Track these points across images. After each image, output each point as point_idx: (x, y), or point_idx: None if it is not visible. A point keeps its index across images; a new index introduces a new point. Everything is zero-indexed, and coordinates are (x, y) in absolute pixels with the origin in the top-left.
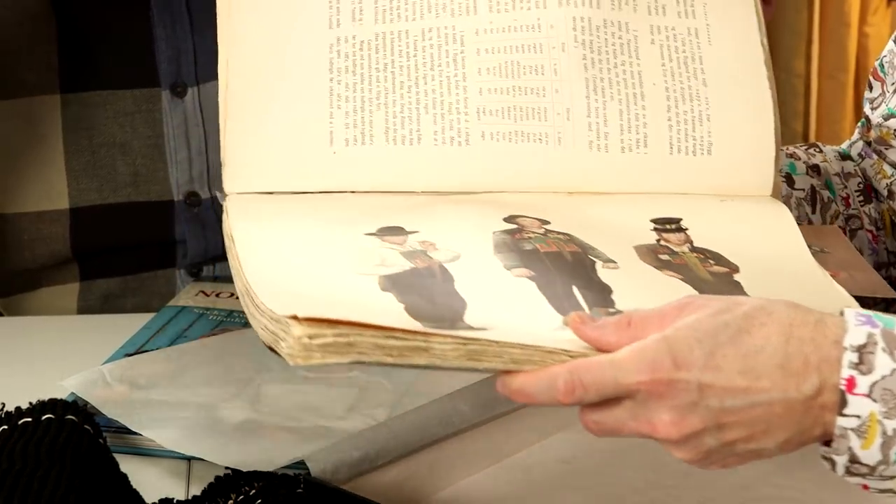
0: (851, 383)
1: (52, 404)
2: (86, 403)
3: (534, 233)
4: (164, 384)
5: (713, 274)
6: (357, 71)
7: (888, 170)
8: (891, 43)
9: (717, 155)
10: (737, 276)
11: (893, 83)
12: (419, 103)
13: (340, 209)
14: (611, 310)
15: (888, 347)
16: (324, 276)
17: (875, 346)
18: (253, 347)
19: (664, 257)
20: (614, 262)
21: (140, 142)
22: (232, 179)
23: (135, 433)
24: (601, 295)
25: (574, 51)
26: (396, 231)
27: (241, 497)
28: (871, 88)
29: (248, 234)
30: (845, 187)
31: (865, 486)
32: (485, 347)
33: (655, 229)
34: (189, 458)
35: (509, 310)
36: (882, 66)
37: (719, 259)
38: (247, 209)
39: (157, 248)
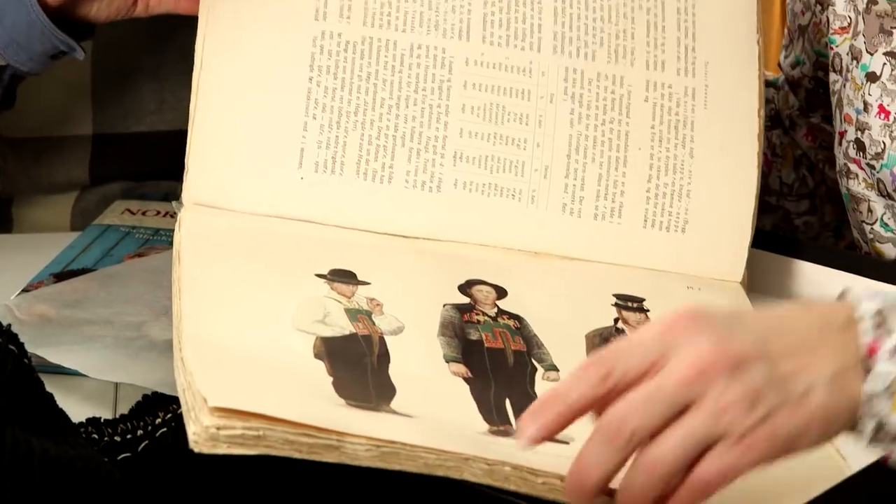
0: (874, 347)
1: None
2: (10, 323)
3: (484, 315)
4: (88, 304)
5: None
6: (339, 74)
7: (792, 101)
8: None
9: (690, 234)
10: None
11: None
12: (396, 130)
13: (297, 240)
14: None
15: None
16: (260, 330)
17: (893, 309)
18: None
19: None
20: (556, 369)
21: (169, 67)
22: (192, 188)
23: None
24: None
25: (563, 104)
26: (348, 277)
27: (169, 415)
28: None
29: (194, 265)
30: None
31: (886, 460)
32: (398, 450)
33: (616, 305)
34: None
35: (437, 406)
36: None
37: None
38: (201, 228)
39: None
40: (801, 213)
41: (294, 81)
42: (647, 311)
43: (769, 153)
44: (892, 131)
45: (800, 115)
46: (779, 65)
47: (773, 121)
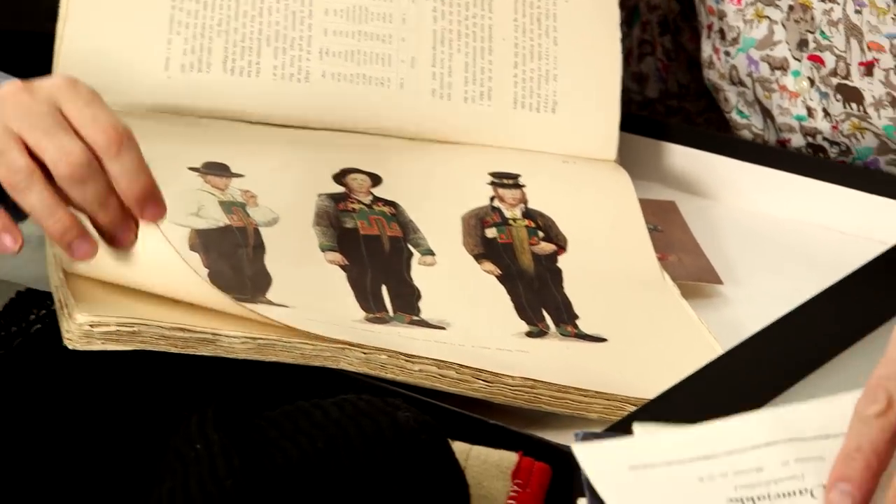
0: None
1: None
2: None
3: (359, 203)
4: None
5: (536, 258)
6: None
7: (674, 5)
8: None
9: (560, 114)
10: (561, 259)
11: None
12: (261, 34)
13: (169, 134)
14: (414, 318)
15: None
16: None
17: None
18: None
19: (491, 234)
20: (432, 254)
21: None
22: None
23: None
24: (409, 300)
25: (425, 3)
26: (221, 169)
27: (44, 312)
28: None
29: None
30: (649, 14)
31: None
32: (274, 342)
33: (492, 183)
34: None
35: (313, 295)
36: None
37: (549, 230)
38: None
39: None
40: (700, 111)
41: (155, 9)
42: (523, 186)
43: (665, 58)
44: (745, 15)
45: (682, 19)
46: None
47: (663, 26)
